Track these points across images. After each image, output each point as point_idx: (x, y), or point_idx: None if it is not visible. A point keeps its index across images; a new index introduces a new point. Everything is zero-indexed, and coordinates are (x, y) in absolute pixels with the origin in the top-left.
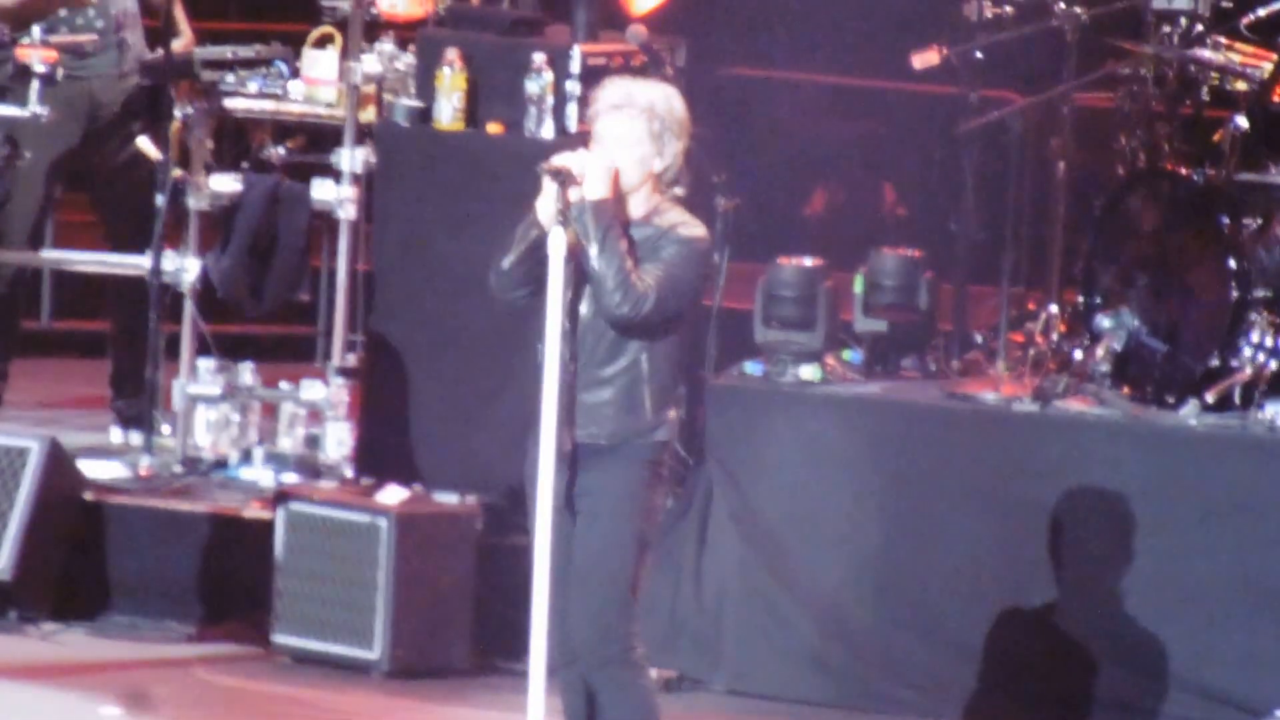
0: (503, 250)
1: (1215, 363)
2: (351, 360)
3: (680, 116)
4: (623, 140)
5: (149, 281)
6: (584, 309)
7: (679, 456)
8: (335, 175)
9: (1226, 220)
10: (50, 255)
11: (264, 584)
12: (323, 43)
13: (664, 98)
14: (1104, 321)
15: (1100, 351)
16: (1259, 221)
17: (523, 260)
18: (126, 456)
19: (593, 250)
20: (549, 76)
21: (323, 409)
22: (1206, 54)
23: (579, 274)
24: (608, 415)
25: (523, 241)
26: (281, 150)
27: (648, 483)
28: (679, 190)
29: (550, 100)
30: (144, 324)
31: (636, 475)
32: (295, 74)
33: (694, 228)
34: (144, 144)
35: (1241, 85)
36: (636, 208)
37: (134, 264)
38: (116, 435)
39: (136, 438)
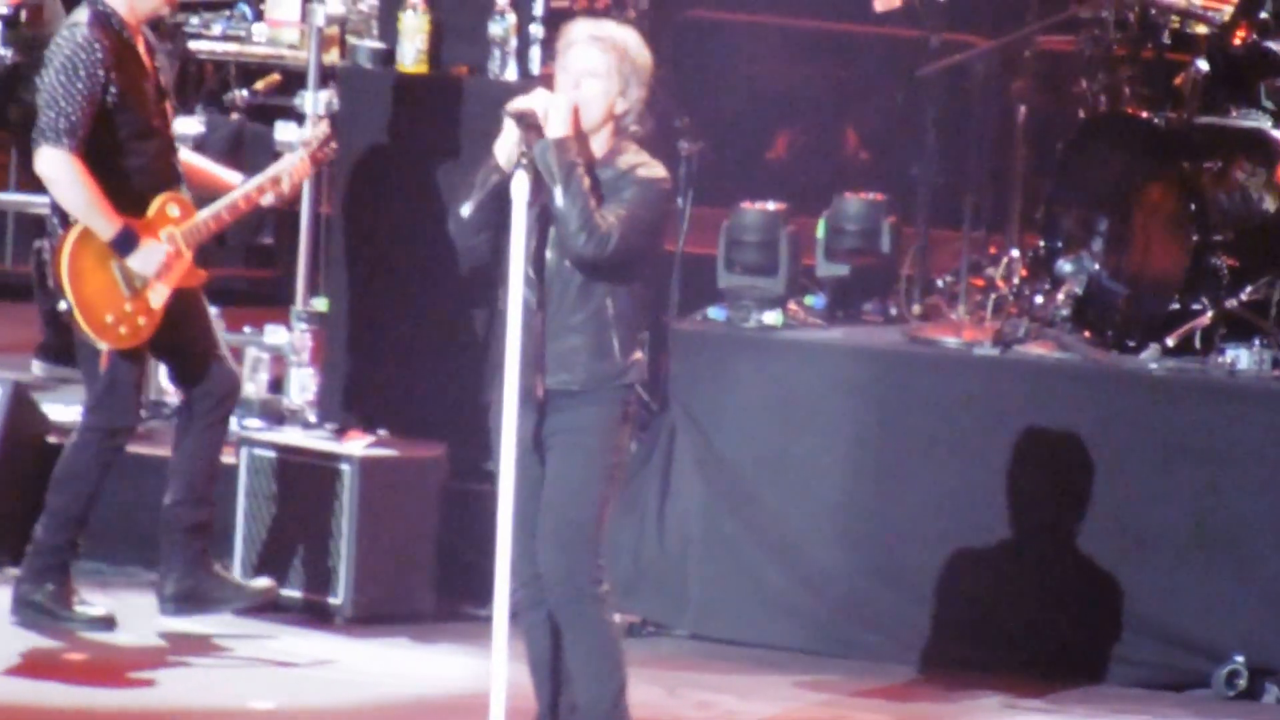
0: (462, 197)
1: (1176, 307)
2: (315, 305)
3: (647, 65)
4: (594, 71)
5: None
6: (550, 255)
7: (643, 401)
8: (298, 117)
9: (1187, 164)
10: (12, 198)
11: (228, 529)
12: None
13: (636, 43)
14: (1065, 266)
15: (1061, 296)
16: (1219, 165)
17: (483, 206)
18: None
19: (557, 190)
20: (513, 19)
21: (286, 354)
22: None
23: (544, 220)
24: (580, 361)
25: (483, 187)
26: (245, 93)
27: (618, 421)
28: (636, 128)
29: (514, 43)
30: None
31: (607, 415)
32: (259, 16)
33: (654, 168)
34: None
35: (1202, 28)
36: (596, 149)
37: None
38: (39, 369)
39: (61, 371)
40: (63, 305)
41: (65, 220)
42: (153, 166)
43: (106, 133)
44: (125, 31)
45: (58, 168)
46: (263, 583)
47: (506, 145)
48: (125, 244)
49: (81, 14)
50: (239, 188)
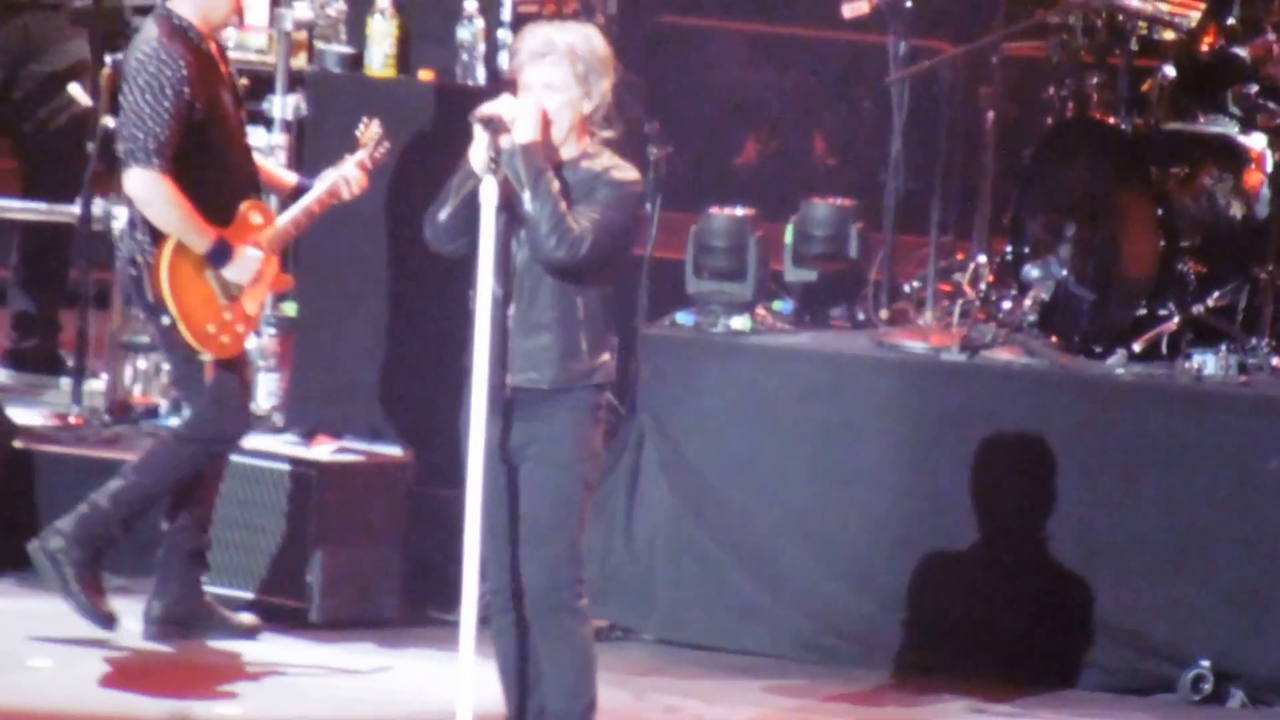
0: (438, 203)
1: (1143, 312)
2: (284, 310)
3: (603, 54)
4: (551, 87)
5: (78, 229)
6: (520, 254)
7: (611, 406)
8: (266, 122)
9: (1154, 170)
10: None
11: None
12: None
13: (584, 38)
14: (1032, 271)
15: (1028, 301)
16: (1186, 171)
17: (459, 212)
18: (56, 404)
19: (526, 195)
20: (480, 23)
21: (254, 358)
22: (1134, 3)
23: (513, 220)
24: (548, 360)
25: (459, 193)
26: None
27: (590, 426)
28: (608, 133)
29: (482, 47)
30: (50, 268)
31: (579, 420)
32: None
33: (627, 171)
34: (74, 90)
35: (1170, 35)
36: (567, 151)
37: (64, 211)
38: (3, 375)
39: (26, 379)
40: (165, 320)
41: (154, 235)
42: (236, 175)
43: (193, 146)
44: (203, 43)
45: (150, 188)
46: (248, 619)
47: (481, 151)
48: (220, 255)
49: (152, 28)
50: (309, 194)
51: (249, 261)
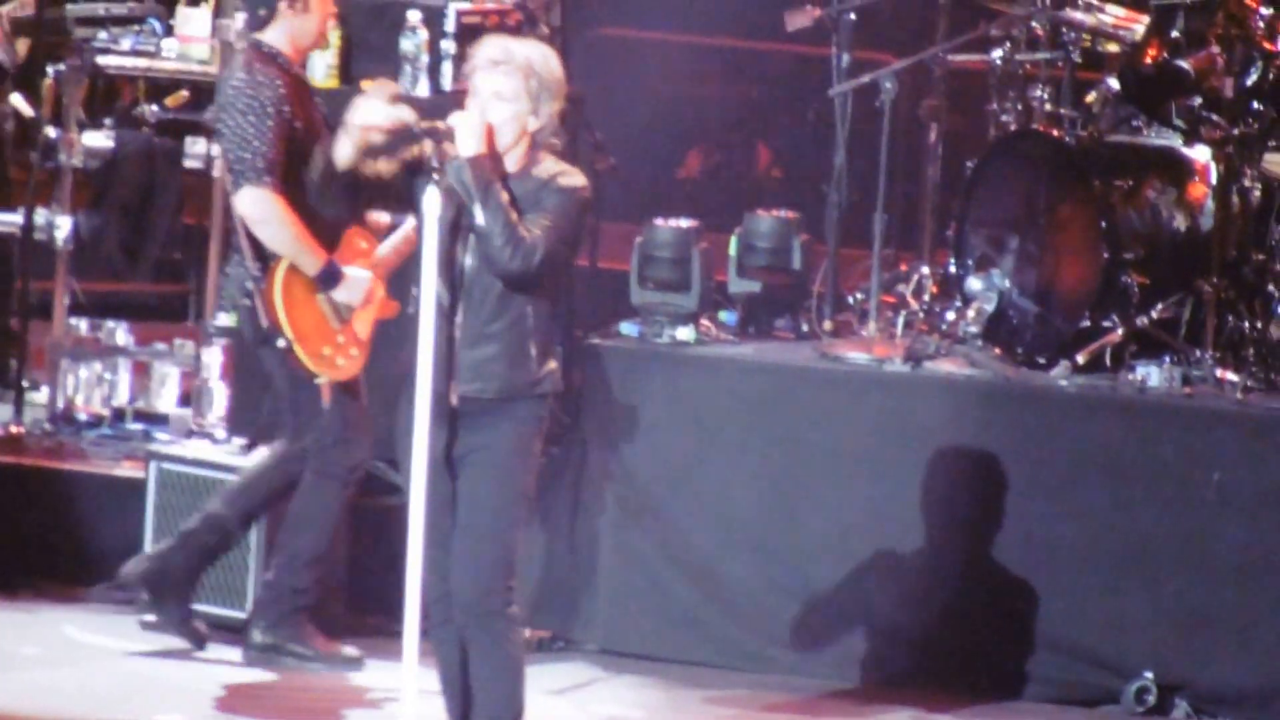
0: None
1: (1086, 324)
2: (224, 320)
3: (558, 77)
4: (501, 95)
5: (20, 239)
6: (469, 263)
7: (555, 415)
8: (208, 133)
9: (1098, 182)
10: None
11: (135, 543)
12: (196, 0)
13: (542, 57)
14: (975, 283)
15: (971, 313)
16: (1130, 183)
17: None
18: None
19: (476, 208)
20: (424, 34)
21: (195, 368)
22: (1078, 15)
23: (459, 229)
24: (497, 371)
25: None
26: (155, 108)
27: (532, 437)
28: (554, 140)
29: (425, 59)
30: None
31: (522, 431)
32: (169, 31)
33: (574, 177)
34: (16, 101)
35: (1113, 47)
36: (511, 164)
37: (5, 221)
38: None
39: None
40: (281, 343)
41: (264, 261)
42: None
43: (298, 169)
44: (293, 68)
45: (262, 207)
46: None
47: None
48: (331, 278)
49: (243, 56)
50: (405, 225)
51: (359, 283)
